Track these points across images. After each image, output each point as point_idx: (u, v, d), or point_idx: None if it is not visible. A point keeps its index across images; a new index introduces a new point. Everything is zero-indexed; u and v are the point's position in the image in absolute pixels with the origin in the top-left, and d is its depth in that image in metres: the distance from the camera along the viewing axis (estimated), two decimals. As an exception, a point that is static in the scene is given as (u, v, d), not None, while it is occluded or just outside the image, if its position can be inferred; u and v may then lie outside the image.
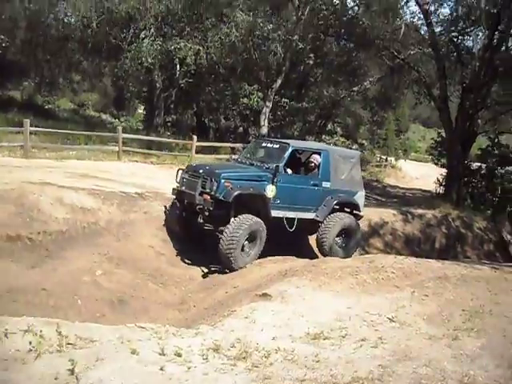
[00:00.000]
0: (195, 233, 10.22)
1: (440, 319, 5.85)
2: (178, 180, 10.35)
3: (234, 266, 9.31)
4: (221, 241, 9.23)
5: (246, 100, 23.33)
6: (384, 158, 40.50)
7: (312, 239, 11.45)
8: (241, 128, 26.33)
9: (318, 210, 10.60)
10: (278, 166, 9.70)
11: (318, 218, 10.58)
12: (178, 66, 25.30)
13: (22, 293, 7.78)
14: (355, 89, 24.63)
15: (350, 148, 42.28)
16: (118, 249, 9.51)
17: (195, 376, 3.99)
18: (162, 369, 4.04)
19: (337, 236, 10.69)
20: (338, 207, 10.93)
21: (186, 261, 10.05)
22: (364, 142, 41.34)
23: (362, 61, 24.21)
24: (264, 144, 11.20)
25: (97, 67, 29.88)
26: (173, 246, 10.30)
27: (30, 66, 28.60)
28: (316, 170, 10.74)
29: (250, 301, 6.64)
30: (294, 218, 10.23)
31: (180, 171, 10.45)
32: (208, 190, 9.41)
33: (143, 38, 18.91)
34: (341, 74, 26.02)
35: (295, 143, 10.99)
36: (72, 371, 3.82)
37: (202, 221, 9.61)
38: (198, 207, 9.43)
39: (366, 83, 24.68)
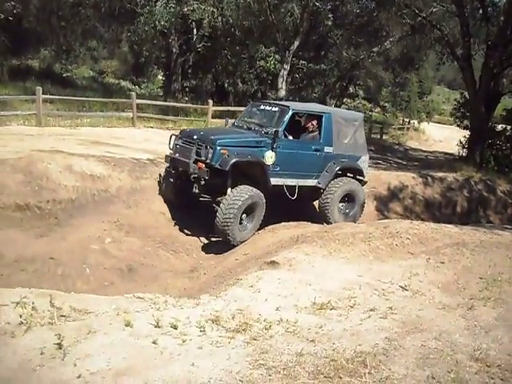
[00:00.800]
0: (191, 202, 9.83)
1: (455, 288, 5.57)
2: (171, 146, 9.77)
3: (231, 240, 8.81)
4: (217, 214, 8.71)
5: (262, 63, 22.81)
6: (407, 120, 39.64)
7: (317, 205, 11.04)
8: (258, 92, 25.88)
9: (319, 177, 10.08)
10: (277, 131, 9.09)
11: (319, 185, 10.07)
12: (194, 30, 24.84)
13: (30, 262, 7.71)
14: (375, 49, 23.81)
15: (372, 111, 41.58)
16: (128, 216, 9.36)
17: (189, 350, 3.80)
18: (154, 342, 3.86)
19: (340, 202, 10.29)
20: (340, 173, 10.40)
21: (198, 227, 9.83)
22: (386, 104, 40.45)
23: (383, 21, 23.34)
24: (262, 107, 10.35)
25: (113, 33, 29.48)
26: (184, 213, 10.08)
27: (46, 33, 28.26)
28: (317, 133, 10.15)
29: (257, 269, 6.43)
30: (295, 186, 9.72)
31: (173, 137, 9.82)
32: (203, 158, 8.78)
33: (156, 1, 18.45)
34: (361, 34, 25.20)
35: (295, 106, 10.34)
36: (59, 345, 3.66)
37: (197, 191, 9.05)
38: (192, 176, 8.85)
39: (386, 43, 23.84)
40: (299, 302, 5.01)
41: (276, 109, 9.86)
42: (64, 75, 31.92)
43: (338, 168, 10.13)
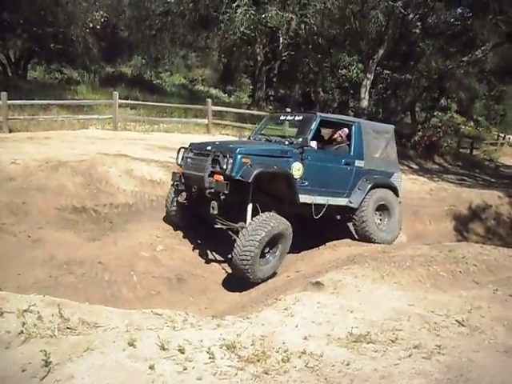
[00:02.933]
0: (202, 227, 8.53)
1: (524, 327, 4.78)
2: (179, 161, 8.39)
3: (250, 278, 7.37)
4: (235, 247, 7.19)
5: (345, 71, 22.17)
6: (502, 135, 37.26)
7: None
8: (339, 101, 25.25)
9: (351, 195, 8.78)
10: (306, 138, 7.91)
11: (351, 205, 8.75)
12: (280, 39, 24.65)
13: (79, 265, 7.61)
14: (465, 59, 22.42)
15: (465, 125, 39.50)
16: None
17: (185, 381, 3.38)
18: (151, 367, 3.47)
19: (375, 213, 8.98)
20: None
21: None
22: (479, 118, 38.28)
23: (477, 29, 21.96)
24: (283, 117, 9.00)
25: (201, 41, 29.90)
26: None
27: (137, 42, 29.20)
28: (346, 145, 8.97)
29: (301, 289, 5.93)
30: (324, 205, 8.38)
31: (182, 150, 8.43)
32: (220, 170, 7.41)
33: (237, 8, 18.39)
34: (453, 44, 23.87)
35: (322, 113, 8.85)
36: (46, 363, 3.35)
37: (215, 212, 7.49)
38: (208, 191, 7.39)
39: (477, 53, 22.38)
40: (333, 332, 4.46)
41: (300, 117, 8.67)
42: (154, 82, 32.81)
43: (371, 185, 8.80)
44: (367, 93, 20.07)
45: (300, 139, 7.99)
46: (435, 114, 29.64)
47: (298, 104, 27.88)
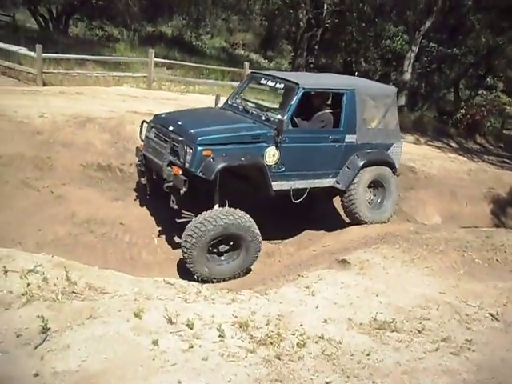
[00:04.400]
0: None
1: None
2: (142, 137, 7.40)
3: (196, 274, 6.28)
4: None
5: (389, 42, 21.31)
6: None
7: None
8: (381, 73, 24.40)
9: (339, 174, 7.59)
10: (281, 121, 6.59)
11: (338, 186, 7.59)
12: (325, 5, 23.87)
13: (99, 224, 7.42)
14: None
15: (511, 106, 37.98)
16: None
17: (189, 360, 3.13)
18: (155, 343, 3.23)
19: (368, 190, 7.96)
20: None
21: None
22: (528, 100, 36.69)
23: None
24: (264, 81, 7.61)
25: (243, 3, 29.20)
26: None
27: (178, 2, 28.68)
28: (328, 112, 7.60)
29: (326, 266, 5.61)
30: (305, 188, 7.33)
31: (145, 125, 7.38)
32: (180, 162, 6.38)
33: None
34: (506, 19, 22.60)
35: (306, 80, 7.42)
36: (44, 329, 3.14)
37: (175, 206, 6.64)
38: (166, 185, 6.50)
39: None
40: (356, 316, 4.15)
41: (281, 86, 7.28)
42: (194, 44, 32.37)
43: (362, 163, 7.60)
44: (410, 66, 19.22)
45: (276, 119, 6.75)
46: (480, 92, 28.46)
47: (339, 73, 27.13)
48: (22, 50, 12.62)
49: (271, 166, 6.78)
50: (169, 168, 6.47)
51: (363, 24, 21.58)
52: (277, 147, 6.72)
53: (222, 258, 6.53)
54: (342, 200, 7.86)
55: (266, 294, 4.51)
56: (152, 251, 7.34)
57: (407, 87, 19.23)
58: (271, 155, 6.73)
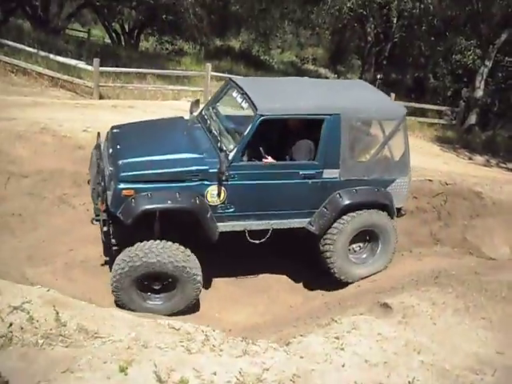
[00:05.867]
0: None
1: None
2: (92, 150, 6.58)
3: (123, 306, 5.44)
4: None
5: (459, 57, 20.16)
6: None
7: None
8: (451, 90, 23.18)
9: (314, 215, 6.14)
10: (225, 156, 5.49)
11: (311, 229, 6.15)
12: (395, 19, 23.07)
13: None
14: None
15: None
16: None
17: None
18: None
19: (352, 242, 6.46)
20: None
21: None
22: None
23: None
24: (234, 94, 6.20)
25: (311, 17, 28.79)
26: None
27: (247, 16, 28.71)
28: (306, 142, 6.07)
29: (366, 309, 4.96)
30: (267, 230, 6.05)
31: (99, 138, 6.48)
32: (104, 196, 5.56)
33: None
34: None
35: (272, 104, 5.75)
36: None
37: (103, 238, 5.88)
38: (93, 218, 5.76)
39: None
40: (389, 380, 3.49)
41: (245, 105, 5.87)
42: (261, 58, 32.28)
43: (345, 204, 6.08)
44: (483, 82, 17.99)
45: (224, 153, 5.56)
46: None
47: (408, 90, 26.12)
48: (81, 64, 12.68)
49: (216, 206, 5.67)
50: (98, 199, 5.63)
51: (432, 38, 20.59)
52: (223, 185, 5.60)
53: (157, 296, 5.64)
54: (318, 250, 6.39)
55: (287, 344, 3.93)
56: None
57: (479, 104, 18.01)
58: (214, 195, 5.62)
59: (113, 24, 24.33)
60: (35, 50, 12.81)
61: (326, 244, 6.24)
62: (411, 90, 25.79)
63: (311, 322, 5.11)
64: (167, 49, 27.43)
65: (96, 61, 12.13)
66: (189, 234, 5.56)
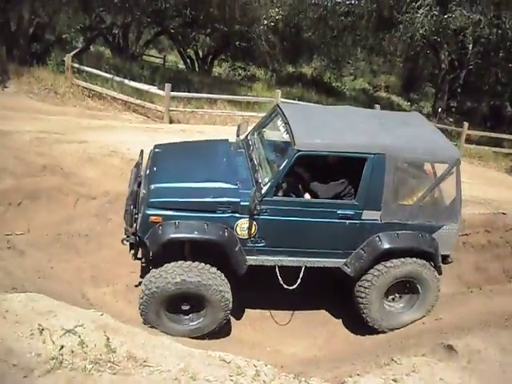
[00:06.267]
0: None
1: None
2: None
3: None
4: None
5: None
6: None
7: None
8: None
9: (350, 256, 5.77)
10: (259, 188, 5.30)
11: (347, 270, 5.76)
12: (470, 46, 22.47)
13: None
14: None
15: None
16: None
17: None
18: None
19: (388, 293, 6.02)
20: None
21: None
22: None
23: None
24: (279, 122, 5.91)
25: (383, 44, 28.51)
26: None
27: (318, 43, 28.85)
28: (340, 183, 5.71)
29: (429, 349, 4.69)
30: (300, 267, 5.76)
31: (140, 157, 6.45)
32: (135, 218, 5.49)
33: (418, 8, 16.71)
34: None
35: (311, 138, 5.43)
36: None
37: (132, 257, 5.75)
38: (123, 238, 5.58)
39: None
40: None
41: (286, 136, 5.62)
42: (333, 84, 32.23)
43: (384, 247, 5.67)
44: None
45: (259, 186, 5.33)
46: None
47: (483, 118, 25.28)
48: (153, 89, 13.03)
49: (246, 240, 5.45)
50: (129, 219, 5.45)
51: (510, 65, 19.84)
52: (254, 219, 5.35)
53: (185, 317, 5.50)
54: (352, 295, 6.02)
55: (342, 383, 3.74)
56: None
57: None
58: (244, 228, 5.39)
59: (187, 50, 24.99)
60: (111, 76, 13.29)
61: (360, 290, 5.88)
62: (486, 119, 24.96)
63: (370, 359, 4.86)
64: (240, 74, 27.91)
65: (167, 86, 12.44)
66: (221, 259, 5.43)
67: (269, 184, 5.27)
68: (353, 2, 22.57)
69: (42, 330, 3.41)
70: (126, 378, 3.17)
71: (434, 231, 5.89)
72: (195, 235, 5.19)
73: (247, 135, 6.37)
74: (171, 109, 12.77)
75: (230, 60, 27.83)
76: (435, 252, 5.85)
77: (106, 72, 13.64)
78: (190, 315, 5.47)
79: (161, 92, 12.71)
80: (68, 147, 8.61)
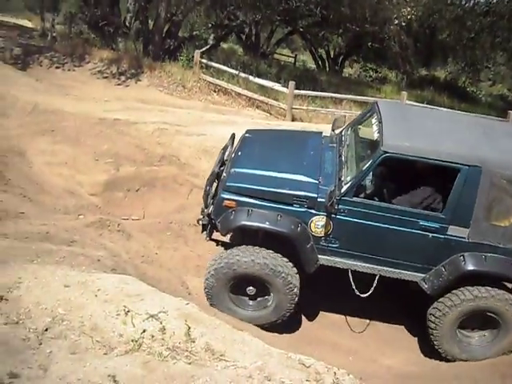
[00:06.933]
0: None
1: None
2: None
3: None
4: None
5: None
6: None
7: None
8: None
9: (430, 272, 5.30)
10: (339, 186, 5.03)
11: (424, 287, 5.31)
12: None
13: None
14: None
15: None
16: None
17: None
18: None
19: (463, 324, 5.37)
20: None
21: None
22: None
23: None
24: (374, 120, 5.51)
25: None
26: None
27: (454, 45, 27.43)
28: (438, 198, 5.26)
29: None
30: (374, 276, 5.39)
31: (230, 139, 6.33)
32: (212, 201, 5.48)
33: None
34: None
35: (398, 144, 4.96)
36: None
37: (205, 236, 5.62)
38: (198, 218, 5.65)
39: None
40: None
41: (376, 135, 5.23)
42: (468, 89, 30.55)
43: (468, 268, 5.14)
44: None
45: (340, 184, 5.08)
46: None
47: None
48: (277, 86, 13.11)
49: (319, 238, 5.22)
50: (209, 201, 5.44)
51: None
52: (330, 218, 5.10)
53: (250, 302, 5.35)
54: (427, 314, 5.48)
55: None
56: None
57: None
58: (319, 226, 5.16)
59: (319, 50, 24.95)
60: (236, 72, 13.54)
61: (434, 313, 5.36)
62: None
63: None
64: (371, 76, 27.45)
65: (291, 83, 12.46)
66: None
67: (350, 183, 5.01)
68: (494, 0, 21.00)
69: (128, 311, 3.49)
70: (200, 369, 3.14)
71: None
72: (266, 225, 5.04)
73: (341, 131, 6.10)
74: (294, 107, 12.77)
75: (362, 61, 27.44)
76: None
77: (233, 68, 13.94)
78: (254, 301, 5.34)
79: (284, 89, 12.75)
80: (187, 139, 8.89)
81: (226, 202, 5.14)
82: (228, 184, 5.22)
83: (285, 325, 5.49)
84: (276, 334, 5.38)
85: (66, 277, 3.78)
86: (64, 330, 3.26)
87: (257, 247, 5.10)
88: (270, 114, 13.21)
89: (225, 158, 5.92)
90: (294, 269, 5.18)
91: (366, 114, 6.06)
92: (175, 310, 3.64)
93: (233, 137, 6.34)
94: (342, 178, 5.14)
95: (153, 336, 3.33)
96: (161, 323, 3.43)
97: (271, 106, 13.10)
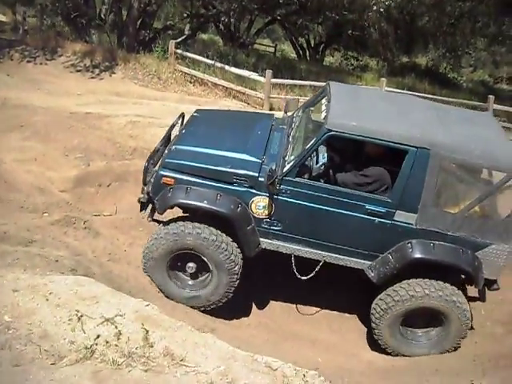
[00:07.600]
0: None
1: None
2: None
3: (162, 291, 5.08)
4: None
5: None
6: None
7: None
8: None
9: (377, 259, 5.07)
10: (274, 169, 4.69)
11: (370, 274, 5.06)
12: None
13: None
14: None
15: None
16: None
17: None
18: None
19: (406, 321, 5.14)
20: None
21: None
22: None
23: None
24: (323, 100, 5.36)
25: (503, 32, 26.31)
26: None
27: (433, 32, 27.32)
28: (381, 169, 4.97)
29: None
30: (318, 261, 5.14)
31: (182, 116, 6.18)
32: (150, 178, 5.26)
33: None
34: None
35: (343, 122, 4.69)
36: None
37: (148, 217, 5.34)
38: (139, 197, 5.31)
39: None
40: None
41: (323, 115, 5.09)
42: (448, 76, 30.52)
43: (415, 256, 4.89)
44: None
45: (282, 163, 4.88)
46: None
47: None
48: (254, 75, 12.85)
49: (261, 220, 4.99)
50: (148, 179, 5.18)
51: None
52: (271, 198, 4.89)
53: (187, 279, 5.11)
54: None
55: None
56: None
57: None
58: (260, 206, 4.95)
59: (299, 39, 24.74)
60: (212, 62, 13.26)
61: (379, 305, 5.10)
62: None
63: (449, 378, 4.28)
64: (352, 64, 27.36)
65: (268, 72, 12.22)
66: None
67: (292, 162, 4.77)
68: (472, -16, 20.87)
69: (81, 316, 3.26)
70: (157, 377, 2.92)
71: (478, 249, 5.01)
72: (204, 204, 4.80)
73: (293, 113, 5.83)
74: (271, 96, 12.50)
75: (343, 49, 27.29)
76: (475, 273, 4.94)
77: (209, 58, 13.65)
78: (194, 280, 5.10)
79: (262, 79, 12.48)
80: (160, 131, 8.58)
81: (165, 179, 4.92)
82: (167, 160, 4.99)
83: (261, 320, 5.33)
84: (253, 331, 5.21)
85: (16, 280, 3.53)
86: (9, 340, 3.02)
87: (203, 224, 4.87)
88: (248, 103, 12.93)
89: (172, 137, 5.71)
90: (234, 244, 4.96)
91: (318, 96, 5.77)
92: (133, 312, 3.42)
93: (182, 115, 6.13)
94: (286, 158, 4.93)
95: (107, 342, 3.10)
96: (116, 327, 3.21)
97: (248, 95, 12.82)
